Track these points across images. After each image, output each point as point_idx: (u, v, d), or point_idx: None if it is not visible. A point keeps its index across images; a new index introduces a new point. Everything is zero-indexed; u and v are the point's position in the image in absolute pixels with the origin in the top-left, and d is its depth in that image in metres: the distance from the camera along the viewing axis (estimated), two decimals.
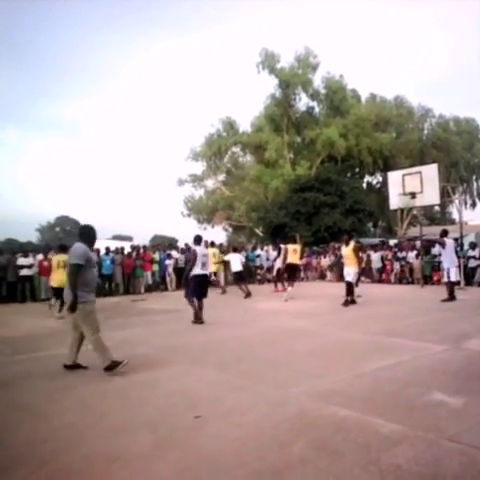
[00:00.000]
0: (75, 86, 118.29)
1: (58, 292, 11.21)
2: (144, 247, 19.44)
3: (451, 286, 11.60)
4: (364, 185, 37.45)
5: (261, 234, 32.81)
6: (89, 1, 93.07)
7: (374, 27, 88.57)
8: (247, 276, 17.07)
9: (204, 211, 38.20)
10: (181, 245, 20.91)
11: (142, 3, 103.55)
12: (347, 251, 11.52)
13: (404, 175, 17.09)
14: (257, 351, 6.51)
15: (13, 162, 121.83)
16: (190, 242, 12.32)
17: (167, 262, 17.93)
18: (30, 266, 15.37)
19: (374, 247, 19.85)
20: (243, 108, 74.01)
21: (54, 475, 2.96)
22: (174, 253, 18.70)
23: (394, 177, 17.87)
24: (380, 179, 37.18)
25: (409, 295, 13.76)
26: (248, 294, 14.08)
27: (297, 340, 7.21)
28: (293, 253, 13.92)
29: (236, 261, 14.97)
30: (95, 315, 5.52)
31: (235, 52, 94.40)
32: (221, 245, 21.59)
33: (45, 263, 15.26)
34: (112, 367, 5.31)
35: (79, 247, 5.53)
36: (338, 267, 17.62)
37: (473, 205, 39.11)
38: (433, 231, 20.17)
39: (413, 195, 16.28)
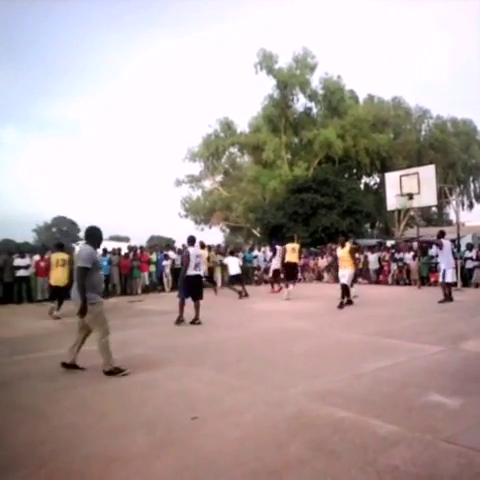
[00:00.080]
0: (75, 86, 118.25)
1: (57, 290, 11.45)
2: (141, 248, 19.41)
3: (448, 287, 11.64)
4: (361, 186, 37.49)
5: (258, 235, 32.83)
6: (89, 1, 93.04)
7: (372, 28, 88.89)
8: (244, 278, 17.10)
9: (201, 212, 38.21)
10: (178, 246, 20.91)
11: (142, 3, 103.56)
12: (343, 253, 11.43)
13: (401, 176, 17.15)
14: (255, 352, 6.53)
15: (11, 162, 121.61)
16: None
17: (164, 263, 17.92)
18: (27, 267, 15.32)
19: (371, 248, 19.89)
20: (241, 109, 74.04)
21: (53, 475, 2.97)
22: (171, 254, 18.69)
23: (391, 178, 17.93)
24: (377, 180, 37.26)
25: (406, 296, 13.79)
26: (241, 294, 14.09)
27: (295, 341, 7.23)
28: (291, 252, 13.96)
29: (234, 264, 14.99)
30: (104, 316, 5.53)
31: (233, 52, 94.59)
32: (219, 246, 21.63)
33: (42, 264, 15.24)
34: (113, 373, 5.33)
35: (86, 250, 5.52)
36: (335, 268, 17.64)
37: (470, 206, 39.25)
38: (430, 232, 20.23)
39: (410, 196, 16.34)
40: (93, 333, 5.54)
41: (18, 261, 15.24)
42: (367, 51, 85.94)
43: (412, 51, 79.04)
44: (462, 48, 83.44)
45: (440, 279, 11.91)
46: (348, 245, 11.73)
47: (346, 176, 35.07)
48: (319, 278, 20.97)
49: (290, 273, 14.19)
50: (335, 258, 12.26)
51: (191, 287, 9.32)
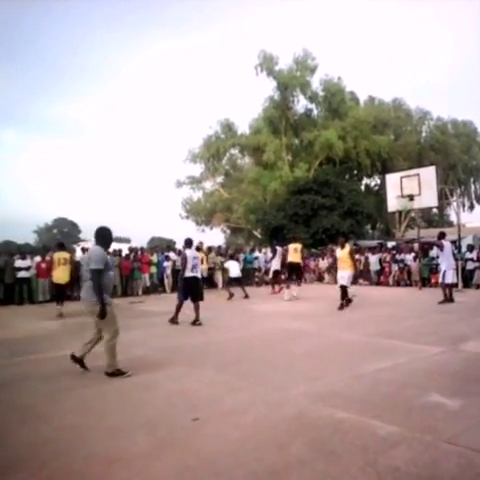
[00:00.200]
0: (75, 86, 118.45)
1: (58, 288, 11.89)
2: (142, 249, 19.43)
3: (449, 288, 11.64)
4: (362, 187, 37.49)
5: (259, 236, 32.82)
6: (89, 1, 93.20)
7: (372, 29, 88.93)
8: (245, 279, 17.13)
9: (202, 213, 38.24)
10: (179, 247, 20.90)
11: (142, 3, 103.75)
12: (342, 254, 11.38)
13: (402, 177, 17.16)
14: (256, 352, 6.53)
15: (11, 163, 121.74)
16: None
17: (165, 264, 17.94)
18: (28, 268, 15.33)
19: (372, 249, 19.89)
20: (241, 110, 74.23)
21: (54, 476, 2.98)
22: (172, 255, 18.70)
23: (392, 179, 17.94)
24: (378, 181, 37.26)
25: (407, 297, 13.79)
26: (231, 297, 14.10)
27: (295, 341, 7.23)
28: (294, 252, 13.99)
29: (235, 268, 15.00)
30: (115, 317, 5.52)
31: (233, 54, 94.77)
32: (219, 247, 21.62)
33: (43, 265, 15.26)
34: (115, 374, 5.33)
35: (97, 251, 5.51)
36: (336, 269, 17.61)
37: (471, 207, 39.26)
38: (431, 233, 20.22)
39: (411, 197, 16.34)
40: (102, 333, 5.52)
41: (19, 262, 15.26)
42: (367, 53, 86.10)
43: (412, 53, 79.27)
44: (463, 49, 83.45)
45: (440, 280, 11.91)
46: (348, 246, 11.72)
47: (347, 177, 35.09)
48: (320, 279, 20.97)
49: (293, 273, 14.24)
50: (335, 259, 12.23)
51: (189, 289, 9.37)
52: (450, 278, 11.65)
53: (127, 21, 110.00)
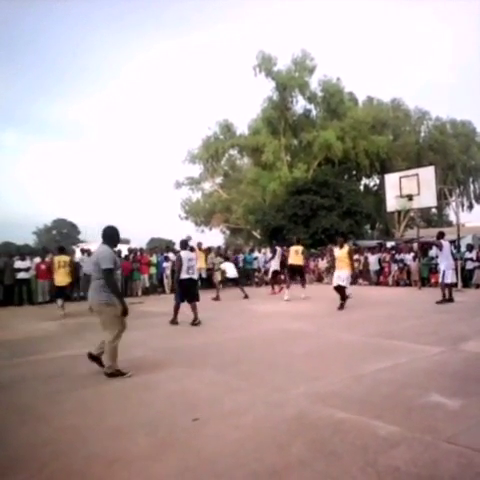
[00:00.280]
0: (75, 86, 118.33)
1: (59, 290, 12.23)
2: (141, 250, 19.43)
3: (449, 288, 11.65)
4: (361, 187, 37.51)
5: (259, 237, 32.83)
6: (89, 1, 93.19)
7: (371, 30, 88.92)
8: (244, 279, 17.15)
9: (201, 214, 38.25)
10: (178, 248, 20.88)
11: (142, 3, 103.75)
12: (341, 254, 11.41)
13: (401, 177, 17.17)
14: (256, 353, 6.53)
15: (11, 164, 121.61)
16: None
17: (164, 265, 17.94)
18: (27, 269, 15.33)
19: (371, 249, 19.90)
20: (240, 111, 74.25)
21: (55, 477, 2.98)
22: (171, 256, 18.67)
23: (391, 179, 17.96)
24: (377, 181, 37.26)
25: (407, 297, 13.80)
26: (218, 298, 14.10)
27: (295, 342, 7.23)
28: (295, 254, 14.01)
29: (231, 269, 15.03)
30: (119, 319, 5.47)
31: (232, 54, 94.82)
32: (219, 248, 21.60)
33: (42, 266, 15.27)
34: (114, 375, 5.33)
35: (106, 250, 5.50)
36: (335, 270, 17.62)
37: (470, 207, 39.28)
38: (430, 233, 20.22)
39: (410, 197, 16.35)
40: (105, 333, 5.48)
41: (19, 263, 15.26)
42: (366, 53, 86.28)
43: (411, 53, 79.33)
44: (462, 49, 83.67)
45: (440, 280, 11.91)
46: (346, 246, 11.75)
47: (346, 178, 35.09)
48: (319, 279, 20.97)
49: (295, 276, 14.28)
50: (334, 259, 12.26)
51: (185, 290, 9.40)
52: (450, 278, 11.67)
53: (127, 21, 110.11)
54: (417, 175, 16.65)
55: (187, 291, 9.38)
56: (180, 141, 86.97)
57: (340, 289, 11.15)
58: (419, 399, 4.17)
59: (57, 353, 6.95)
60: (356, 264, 17.35)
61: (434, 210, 38.10)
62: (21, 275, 15.08)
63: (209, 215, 37.77)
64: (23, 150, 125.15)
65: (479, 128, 37.73)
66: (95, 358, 5.61)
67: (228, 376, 5.28)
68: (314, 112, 36.04)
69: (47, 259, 15.63)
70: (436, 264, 14.59)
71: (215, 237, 41.79)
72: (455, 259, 13.37)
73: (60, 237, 68.63)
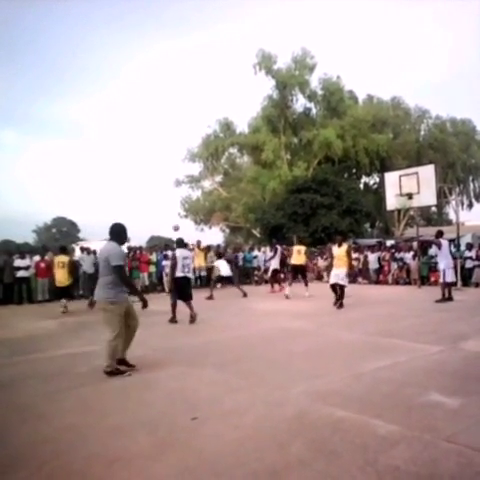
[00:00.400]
0: (75, 86, 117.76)
1: (59, 290, 12.42)
2: (140, 248, 19.41)
3: (448, 287, 11.65)
4: (361, 186, 37.48)
5: (258, 235, 32.83)
6: (89, 1, 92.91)
7: (371, 28, 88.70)
8: (240, 278, 17.11)
9: (201, 212, 38.23)
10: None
11: (142, 3, 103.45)
12: (339, 252, 11.39)
13: (401, 176, 17.14)
14: (255, 351, 6.53)
15: (11, 163, 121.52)
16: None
17: (164, 263, 17.90)
18: (27, 267, 15.33)
19: (371, 248, 19.88)
20: (240, 109, 73.88)
21: (54, 475, 2.98)
22: (171, 254, 18.68)
23: (391, 178, 17.93)
24: (377, 180, 37.23)
25: (406, 296, 13.80)
26: (211, 297, 13.97)
27: (295, 340, 7.24)
28: (297, 254, 14.02)
29: (224, 266, 14.78)
30: (121, 319, 5.47)
31: (232, 53, 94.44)
32: (218, 246, 21.60)
33: (42, 264, 15.27)
34: (114, 373, 5.33)
35: (115, 247, 5.52)
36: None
37: (470, 206, 39.27)
38: (430, 232, 20.20)
39: (410, 196, 16.33)
40: (105, 332, 5.48)
41: (18, 262, 15.25)
42: (366, 51, 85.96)
43: (411, 51, 78.94)
44: (461, 48, 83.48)
45: (441, 279, 11.91)
46: (345, 245, 11.77)
47: (345, 176, 35.07)
48: (319, 278, 20.96)
49: (298, 275, 14.31)
50: (332, 257, 12.26)
51: (180, 289, 9.40)
52: (450, 277, 11.67)
53: (127, 21, 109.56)
54: (417, 173, 16.63)
55: (182, 289, 9.38)
56: (180, 139, 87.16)
57: (338, 288, 11.15)
58: (418, 398, 4.18)
59: (57, 351, 6.96)
60: (356, 263, 17.40)
61: (434, 209, 38.13)
62: (21, 273, 15.08)
63: (209, 213, 37.76)
64: (23, 149, 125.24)
65: (479, 126, 37.79)
66: (121, 361, 5.57)
67: (228, 375, 5.28)
68: (314, 110, 36.09)
69: (47, 257, 15.64)
70: (436, 263, 14.59)
71: (215, 235, 41.83)
72: (454, 258, 13.37)
73: (60, 235, 68.67)
